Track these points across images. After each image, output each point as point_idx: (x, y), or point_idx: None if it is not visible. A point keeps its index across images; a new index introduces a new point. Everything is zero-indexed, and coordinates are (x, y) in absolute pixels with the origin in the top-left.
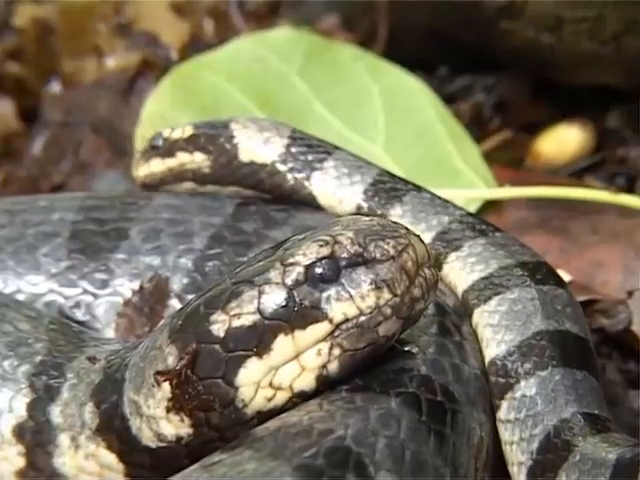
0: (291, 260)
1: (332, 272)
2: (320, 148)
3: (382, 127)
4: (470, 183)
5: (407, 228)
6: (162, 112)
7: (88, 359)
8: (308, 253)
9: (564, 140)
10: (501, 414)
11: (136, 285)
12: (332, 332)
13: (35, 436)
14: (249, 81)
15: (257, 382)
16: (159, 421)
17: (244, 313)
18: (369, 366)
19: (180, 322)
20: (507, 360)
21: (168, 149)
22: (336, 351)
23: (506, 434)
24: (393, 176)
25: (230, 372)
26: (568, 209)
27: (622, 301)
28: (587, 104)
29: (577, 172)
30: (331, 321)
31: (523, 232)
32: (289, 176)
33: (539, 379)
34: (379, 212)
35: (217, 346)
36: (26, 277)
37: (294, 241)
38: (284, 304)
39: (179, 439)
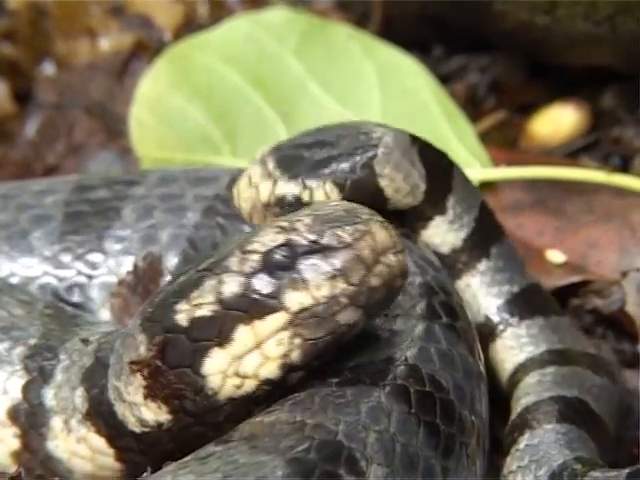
0: (249, 247)
1: (288, 259)
2: (445, 180)
3: (377, 107)
4: (465, 163)
5: (371, 213)
6: (157, 92)
7: (82, 341)
8: (265, 240)
9: (559, 121)
10: (504, 469)
11: (130, 264)
12: (291, 321)
13: (29, 418)
14: (244, 61)
15: (223, 371)
16: (139, 407)
17: (205, 303)
18: (352, 350)
19: (150, 310)
20: (517, 418)
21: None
22: (297, 340)
23: None
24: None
25: (196, 362)
26: (563, 189)
27: (616, 281)
28: (582, 84)
29: (572, 152)
30: (288, 310)
31: (518, 212)
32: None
33: (543, 431)
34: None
35: (183, 336)
36: (20, 260)
37: (259, 227)
38: (241, 293)
39: (159, 425)
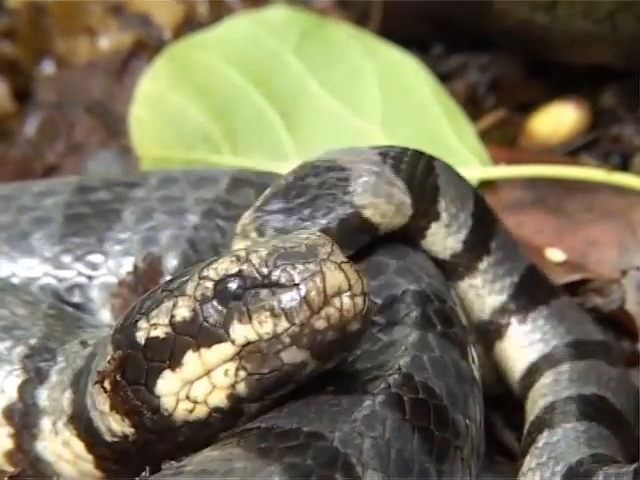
0: (205, 274)
1: (238, 291)
2: (430, 183)
3: (378, 106)
4: (466, 162)
5: (329, 253)
6: (157, 91)
7: (80, 343)
8: (220, 268)
9: (559, 119)
10: (523, 467)
11: (130, 265)
12: (237, 353)
13: (23, 418)
14: (244, 60)
15: (175, 394)
16: (108, 417)
17: (160, 324)
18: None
19: (120, 322)
20: (535, 419)
21: None
22: (242, 373)
23: None
24: (486, 209)
25: (151, 381)
26: (563, 188)
27: (616, 280)
28: (582, 83)
29: (572, 151)
30: (234, 342)
31: (518, 211)
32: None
33: (562, 429)
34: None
35: (140, 354)
36: (20, 261)
37: (222, 253)
38: (191, 319)
39: (125, 436)
